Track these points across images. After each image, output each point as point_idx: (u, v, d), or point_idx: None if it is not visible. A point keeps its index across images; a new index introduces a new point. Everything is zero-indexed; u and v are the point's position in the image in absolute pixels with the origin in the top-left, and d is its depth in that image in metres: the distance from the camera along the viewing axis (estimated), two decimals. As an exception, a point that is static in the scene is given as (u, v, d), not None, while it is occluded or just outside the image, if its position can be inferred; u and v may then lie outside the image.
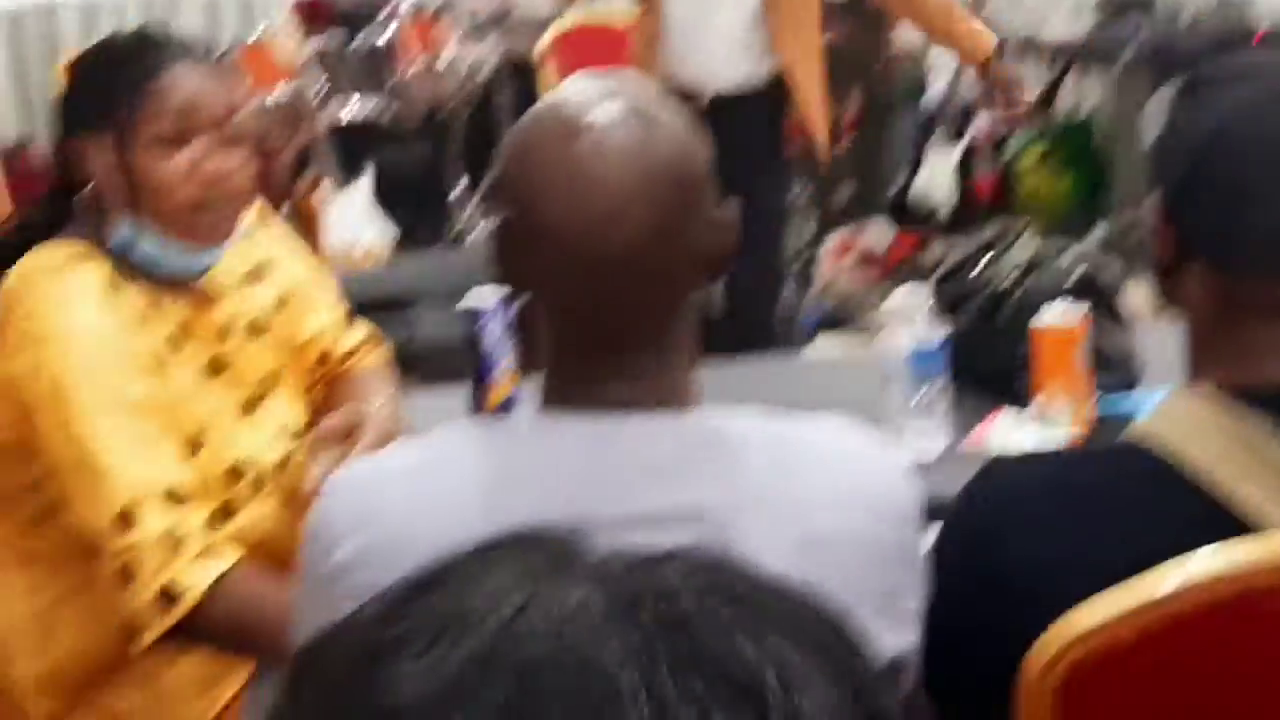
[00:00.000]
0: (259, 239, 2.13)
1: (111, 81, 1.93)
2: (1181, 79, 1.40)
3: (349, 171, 5.58)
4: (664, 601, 0.60)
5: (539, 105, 1.40)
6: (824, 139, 4.13)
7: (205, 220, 1.94)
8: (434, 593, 0.63)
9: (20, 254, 1.93)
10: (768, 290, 3.95)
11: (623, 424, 1.32)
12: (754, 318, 3.74)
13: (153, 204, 1.92)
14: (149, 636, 1.81)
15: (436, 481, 1.35)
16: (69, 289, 1.89)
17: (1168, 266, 1.38)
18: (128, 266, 1.95)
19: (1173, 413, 1.34)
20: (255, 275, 2.11)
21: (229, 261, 2.05)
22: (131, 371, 1.87)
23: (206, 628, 1.81)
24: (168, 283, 1.98)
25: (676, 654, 0.58)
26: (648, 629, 0.59)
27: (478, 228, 5.36)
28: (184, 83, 1.92)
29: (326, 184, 5.23)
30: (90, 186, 1.95)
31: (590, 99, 1.33)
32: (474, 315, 2.40)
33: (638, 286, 1.32)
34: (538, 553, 0.64)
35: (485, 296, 2.41)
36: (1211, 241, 1.33)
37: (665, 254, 1.31)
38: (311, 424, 2.09)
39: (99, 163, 1.93)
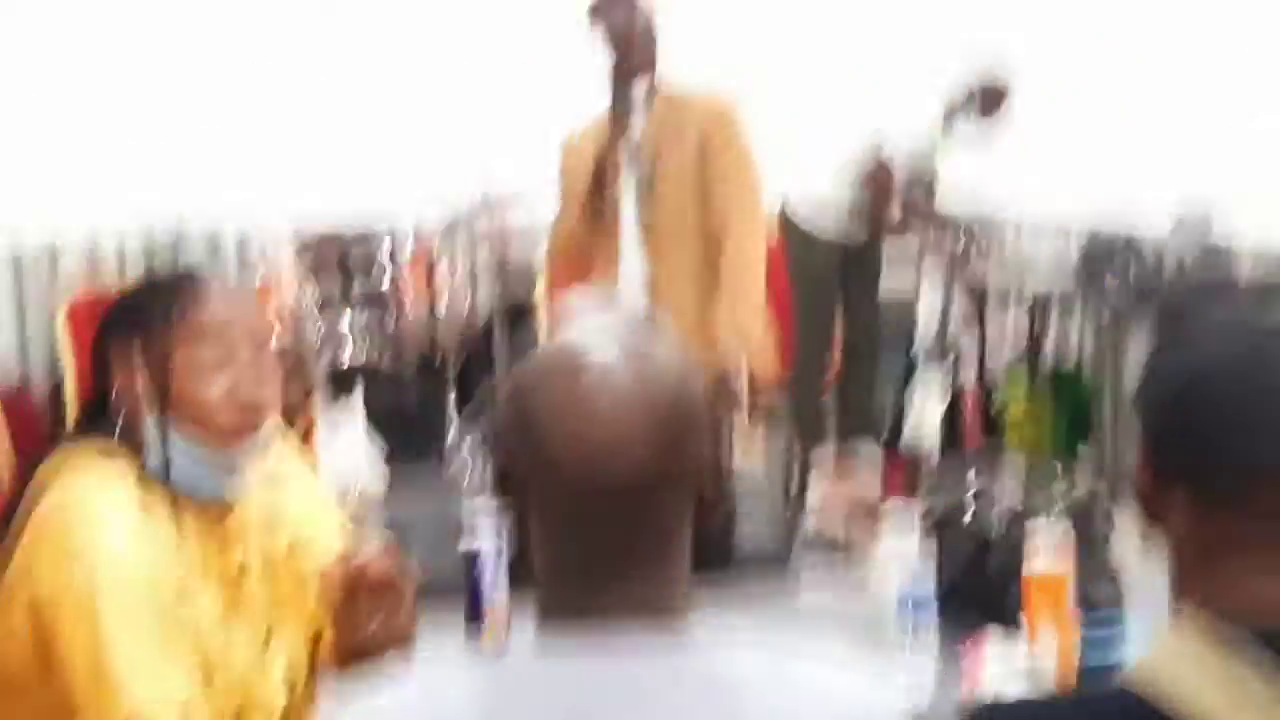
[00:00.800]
0: (276, 473, 2.17)
1: (153, 304, 2.02)
2: (1161, 321, 1.46)
3: (341, 411, 5.64)
4: None
5: (544, 344, 1.45)
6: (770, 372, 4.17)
7: (226, 432, 2.01)
8: None
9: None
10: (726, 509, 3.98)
11: (619, 655, 1.34)
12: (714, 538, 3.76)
13: (184, 415, 1.99)
14: None
15: (433, 715, 1.36)
16: (102, 504, 1.94)
17: (1150, 497, 1.41)
18: (155, 473, 2.00)
19: (1162, 655, 1.35)
20: (271, 517, 2.14)
21: (248, 495, 2.09)
22: (156, 598, 1.90)
23: None
24: (193, 513, 2.03)
25: None
26: None
27: (470, 468, 5.39)
28: (222, 306, 2.02)
29: (322, 426, 5.27)
30: (120, 394, 2.01)
31: (593, 338, 1.38)
32: (470, 558, 2.42)
33: (635, 516, 1.35)
34: None
35: (481, 539, 2.44)
36: (1190, 473, 1.36)
37: (660, 484, 1.35)
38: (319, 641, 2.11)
39: (135, 375, 2.00)
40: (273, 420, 2.12)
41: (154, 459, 2.00)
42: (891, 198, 5.82)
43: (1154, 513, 1.42)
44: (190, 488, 2.01)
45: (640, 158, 4.06)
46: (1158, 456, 1.40)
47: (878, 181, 5.78)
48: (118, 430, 2.02)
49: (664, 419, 1.35)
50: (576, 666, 1.35)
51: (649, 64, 4.08)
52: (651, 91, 4.08)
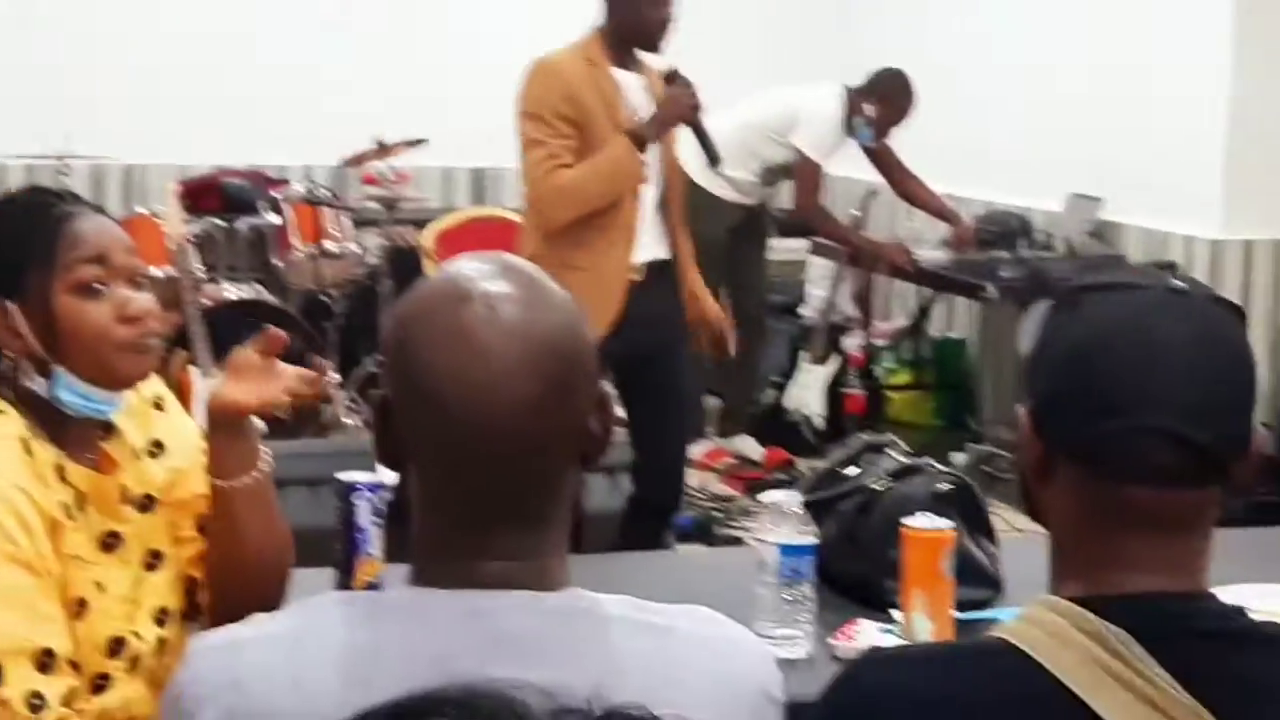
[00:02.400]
0: (154, 415, 2.12)
1: (20, 237, 1.94)
2: (1053, 297, 1.46)
3: (221, 354, 5.55)
4: None
5: (429, 277, 1.41)
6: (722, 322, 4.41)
7: (128, 362, 1.95)
8: None
9: None
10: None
11: (491, 599, 1.31)
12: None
13: (75, 351, 1.92)
14: None
15: (299, 651, 1.33)
16: None
17: (1035, 474, 1.41)
18: (42, 420, 1.93)
19: (1031, 622, 1.36)
20: (151, 450, 2.09)
21: (129, 430, 2.04)
22: (26, 529, 1.85)
23: None
24: (78, 443, 1.97)
25: None
26: None
27: (350, 414, 5.33)
28: (95, 231, 1.95)
29: (198, 364, 5.18)
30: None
31: (479, 274, 1.35)
32: (346, 489, 2.37)
33: (515, 459, 1.32)
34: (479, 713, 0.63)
35: (358, 474, 2.40)
36: (1077, 446, 1.36)
37: (544, 428, 1.32)
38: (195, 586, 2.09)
39: (4, 319, 1.92)
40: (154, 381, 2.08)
41: (36, 415, 1.94)
42: (818, 189, 5.87)
43: (1037, 485, 1.41)
44: (75, 410, 1.96)
45: (705, 132, 4.13)
46: (1045, 423, 1.39)
47: (806, 172, 5.82)
48: (3, 377, 1.95)
49: (550, 357, 1.31)
50: (447, 606, 1.32)
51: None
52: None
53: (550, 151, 3.93)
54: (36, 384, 1.94)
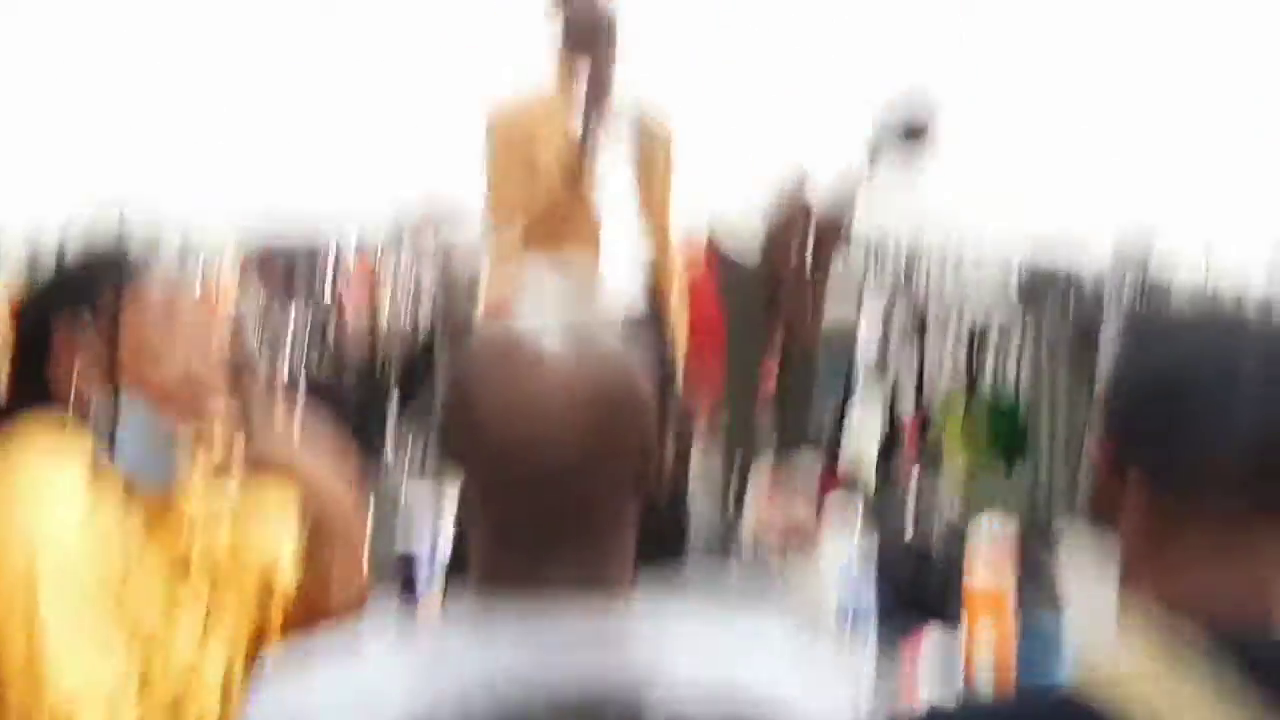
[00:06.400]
0: (224, 483, 2.15)
1: (103, 278, 2.00)
2: (1132, 326, 1.47)
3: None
4: None
5: (487, 327, 1.45)
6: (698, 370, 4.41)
7: (191, 395, 1.99)
8: None
9: None
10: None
11: (558, 626, 1.34)
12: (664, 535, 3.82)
13: (141, 378, 1.96)
14: None
15: (367, 679, 1.35)
16: (50, 486, 1.92)
17: (1106, 488, 1.42)
18: (108, 447, 1.98)
19: (1111, 663, 1.34)
20: (218, 517, 2.12)
21: (197, 498, 2.08)
22: (97, 584, 1.88)
23: None
24: (144, 508, 2.01)
25: None
26: None
27: (405, 476, 5.36)
28: (165, 291, 2.00)
29: (254, 435, 5.23)
30: (67, 368, 1.99)
31: (536, 321, 1.38)
32: (407, 560, 2.42)
33: (569, 503, 1.35)
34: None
35: (418, 542, 2.44)
36: (1150, 458, 1.37)
37: (599, 475, 1.35)
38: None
39: (80, 344, 1.98)
40: (221, 416, 2.11)
41: (103, 437, 1.98)
42: (804, 240, 5.86)
43: (1109, 505, 1.42)
44: (139, 470, 2.00)
45: (632, 141, 4.15)
46: (1120, 443, 1.40)
47: (791, 224, 5.82)
48: (68, 408, 1.99)
49: (604, 410, 1.34)
50: (508, 625, 1.34)
51: (614, 54, 4.16)
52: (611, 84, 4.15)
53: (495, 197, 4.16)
54: (100, 417, 1.98)
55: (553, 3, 4.17)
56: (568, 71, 4.13)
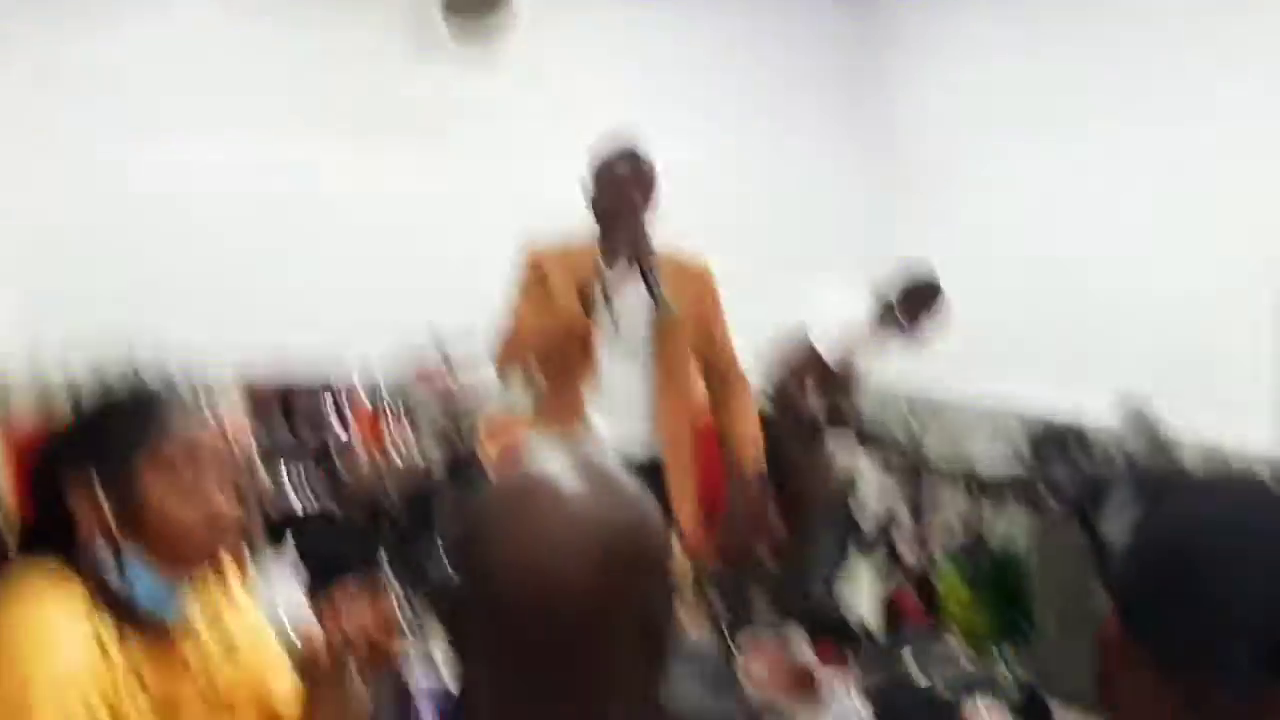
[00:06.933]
0: (229, 613, 2.15)
1: (119, 421, 2.01)
2: (1143, 490, 1.45)
3: (277, 556, 5.58)
4: None
5: (501, 470, 1.45)
6: (692, 531, 4.32)
7: (201, 559, 2.01)
8: None
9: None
10: None
11: None
12: None
13: (155, 537, 1.97)
14: None
15: None
16: (52, 609, 1.91)
17: (1113, 667, 1.39)
18: (104, 593, 1.97)
19: None
20: (224, 647, 2.11)
21: (201, 630, 2.08)
22: (90, 708, 1.87)
23: None
24: (148, 641, 2.01)
25: None
26: None
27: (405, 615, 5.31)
28: (190, 427, 2.02)
29: (254, 566, 5.20)
30: (73, 515, 1.98)
31: (548, 465, 1.37)
32: (406, 696, 2.39)
33: (574, 647, 1.33)
34: None
35: (417, 682, 2.41)
36: (1163, 643, 1.34)
37: (609, 621, 1.33)
38: None
39: (93, 497, 1.97)
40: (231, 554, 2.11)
41: (110, 583, 1.98)
42: (815, 389, 5.86)
43: (1114, 685, 1.39)
44: (143, 608, 1.99)
45: (656, 289, 4.13)
46: (1130, 617, 1.37)
47: (800, 372, 5.82)
48: (75, 553, 1.99)
49: (611, 550, 1.33)
50: None
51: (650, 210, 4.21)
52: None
53: (509, 326, 4.18)
54: (109, 569, 1.98)
55: (588, 176, 4.21)
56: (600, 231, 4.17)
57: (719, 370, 4.34)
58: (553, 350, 4.16)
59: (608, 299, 4.09)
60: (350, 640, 1.98)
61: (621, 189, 4.14)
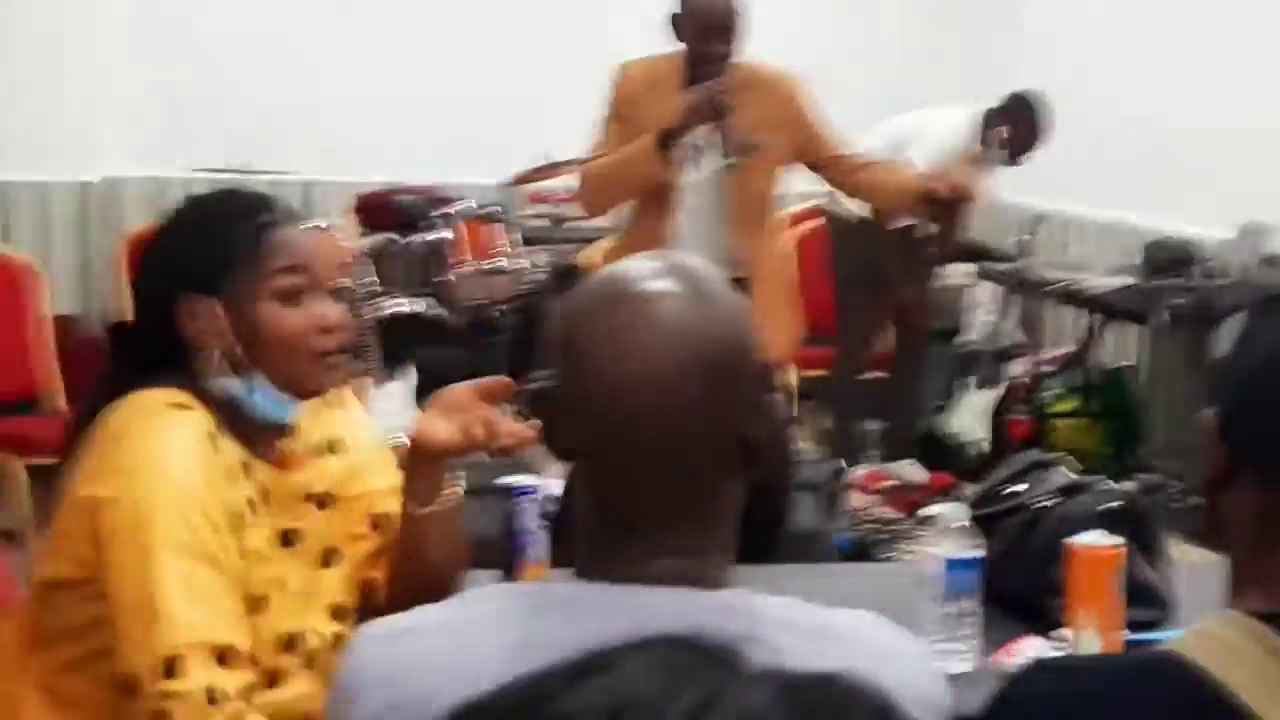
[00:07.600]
0: (333, 414, 2.16)
1: (227, 238, 1.98)
2: (1251, 305, 1.42)
3: (392, 366, 5.65)
4: (838, 716, 0.61)
5: (596, 274, 1.44)
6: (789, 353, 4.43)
7: (320, 372, 2.00)
8: (594, 678, 0.61)
9: (111, 399, 1.97)
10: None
11: (651, 595, 1.32)
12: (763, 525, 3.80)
13: (271, 356, 1.97)
14: None
15: (460, 640, 1.35)
16: (169, 431, 1.92)
17: (1217, 482, 1.38)
18: (229, 418, 1.98)
19: (1205, 636, 1.33)
20: (329, 448, 2.13)
21: (308, 429, 2.09)
22: (213, 524, 1.89)
23: None
24: (259, 441, 2.02)
25: None
26: None
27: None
28: (300, 240, 2.00)
29: (369, 377, 5.28)
30: (190, 339, 1.98)
31: (643, 273, 1.36)
32: (510, 494, 2.41)
33: (669, 459, 1.32)
34: (695, 654, 0.64)
35: (521, 481, 2.44)
36: (1263, 454, 1.33)
37: (697, 430, 1.32)
38: (372, 588, 2.11)
39: (205, 318, 1.97)
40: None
41: (237, 404, 1.99)
42: (919, 220, 5.78)
43: (1218, 494, 1.38)
44: (265, 423, 2.01)
45: (730, 128, 4.10)
46: (1232, 429, 1.36)
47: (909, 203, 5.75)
48: (192, 373, 1.99)
49: (705, 360, 1.32)
50: (608, 600, 1.33)
51: (738, 43, 4.16)
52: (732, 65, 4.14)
53: (595, 145, 4.24)
54: (229, 384, 1.98)
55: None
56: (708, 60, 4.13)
57: (842, 158, 4.37)
58: (633, 187, 4.19)
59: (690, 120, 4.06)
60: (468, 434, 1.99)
61: (709, 21, 4.11)
